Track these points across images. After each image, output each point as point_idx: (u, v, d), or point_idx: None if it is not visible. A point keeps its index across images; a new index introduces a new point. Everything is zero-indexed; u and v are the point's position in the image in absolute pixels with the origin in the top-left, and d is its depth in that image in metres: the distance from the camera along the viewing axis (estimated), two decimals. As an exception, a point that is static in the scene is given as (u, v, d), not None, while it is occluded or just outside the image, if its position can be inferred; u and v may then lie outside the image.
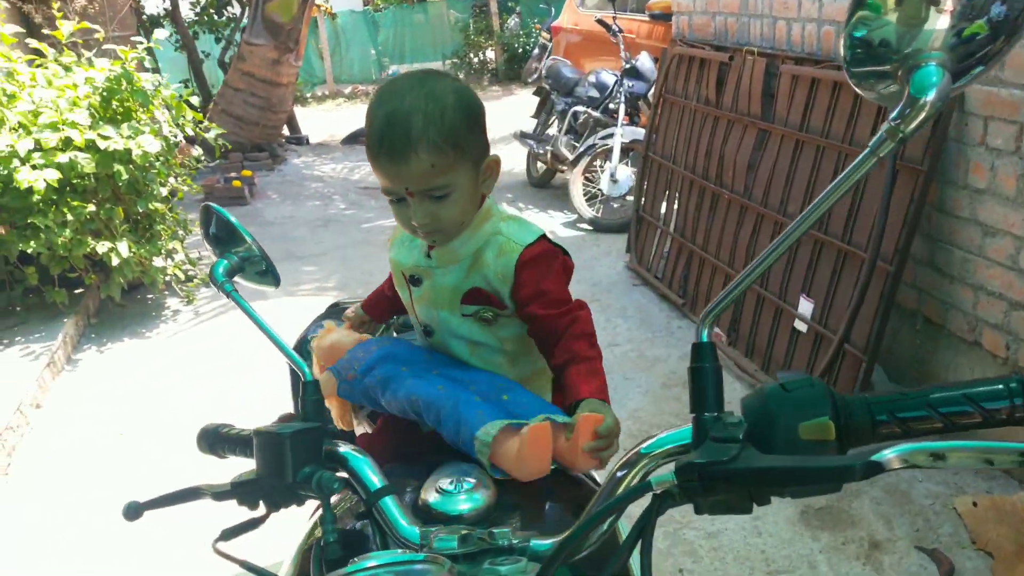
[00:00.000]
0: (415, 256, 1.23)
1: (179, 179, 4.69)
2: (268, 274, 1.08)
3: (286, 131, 8.79)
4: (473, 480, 0.90)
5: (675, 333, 3.95)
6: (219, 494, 0.83)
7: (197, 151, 5.16)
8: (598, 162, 5.55)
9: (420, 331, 1.28)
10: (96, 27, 4.38)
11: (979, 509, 2.48)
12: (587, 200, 5.60)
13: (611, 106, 5.63)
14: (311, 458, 0.81)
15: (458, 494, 0.87)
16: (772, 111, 3.49)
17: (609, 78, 5.75)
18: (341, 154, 9.02)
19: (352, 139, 9.64)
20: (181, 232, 4.82)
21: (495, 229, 1.19)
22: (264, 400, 3.54)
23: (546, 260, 1.19)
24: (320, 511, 0.80)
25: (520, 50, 13.36)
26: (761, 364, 3.47)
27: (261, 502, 0.84)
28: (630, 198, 5.47)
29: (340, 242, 5.91)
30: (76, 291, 4.36)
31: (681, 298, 4.17)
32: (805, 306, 3.23)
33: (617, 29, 5.62)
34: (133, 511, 0.83)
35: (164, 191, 4.43)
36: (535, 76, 12.72)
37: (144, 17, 8.26)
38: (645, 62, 5.55)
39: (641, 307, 4.30)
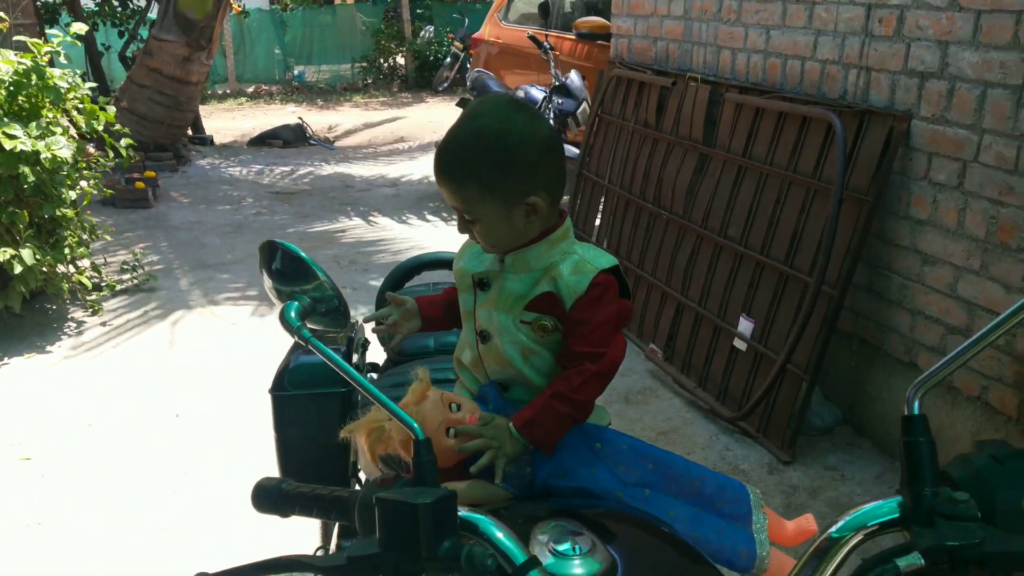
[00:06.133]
0: (488, 263, 1.27)
1: (90, 183, 4.39)
2: (336, 313, 0.99)
3: (189, 131, 8.40)
4: (589, 543, 0.85)
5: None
6: (329, 568, 0.74)
7: (105, 152, 4.83)
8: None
9: (474, 340, 1.28)
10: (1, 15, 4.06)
11: (918, 525, 2.61)
12: (514, 214, 5.59)
13: (539, 122, 5.63)
14: (448, 530, 0.74)
15: (574, 557, 0.82)
16: (714, 137, 3.58)
17: (538, 94, 5.77)
18: (249, 156, 8.70)
19: (259, 141, 9.32)
20: (87, 238, 4.52)
21: (570, 249, 1.23)
22: (179, 419, 3.35)
23: (611, 293, 1.21)
24: None
25: (432, 58, 13.29)
26: (698, 381, 3.54)
27: None
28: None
29: (254, 250, 5.60)
30: (-29, 298, 4.00)
31: (616, 316, 4.20)
32: (745, 325, 3.32)
33: (549, 46, 5.66)
34: None
35: (73, 195, 4.14)
36: (446, 85, 12.71)
37: (38, 3, 7.72)
38: (575, 80, 5.60)
39: (576, 324, 4.30)
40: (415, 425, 0.83)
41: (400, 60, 13.85)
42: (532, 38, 5.83)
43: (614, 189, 4.36)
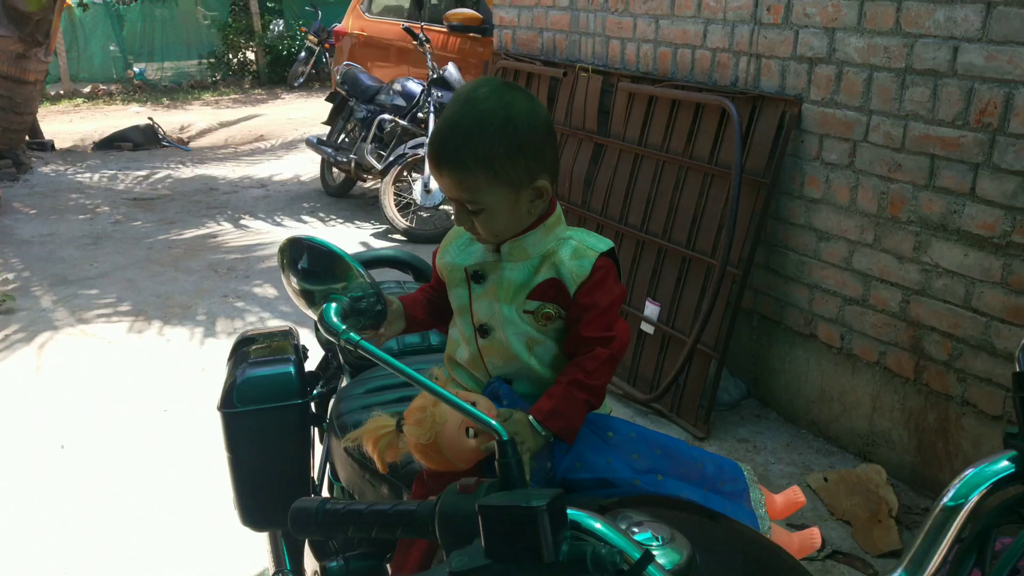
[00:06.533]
0: (479, 254, 1.23)
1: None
2: (375, 310, 0.91)
3: (26, 136, 7.70)
4: (668, 532, 0.83)
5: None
6: None
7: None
8: (408, 172, 5.47)
9: (472, 335, 1.23)
10: None
11: (830, 484, 2.77)
12: (399, 210, 5.50)
13: (419, 115, 5.57)
14: (562, 531, 0.69)
15: (656, 548, 0.80)
16: (608, 126, 3.65)
17: (415, 87, 5.68)
18: (97, 161, 8.09)
19: (107, 144, 8.68)
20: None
21: (566, 234, 1.21)
22: (65, 450, 3.09)
23: (612, 276, 1.21)
24: None
25: (285, 53, 12.81)
26: (607, 367, 3.61)
27: None
28: (444, 207, 5.46)
29: (119, 262, 5.29)
30: None
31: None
32: (652, 309, 3.41)
33: (425, 38, 5.58)
34: None
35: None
36: (301, 80, 12.29)
37: None
38: (452, 72, 5.55)
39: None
40: (497, 426, 0.78)
41: (250, 55, 13.28)
42: (408, 30, 5.74)
43: (506, 181, 4.36)
